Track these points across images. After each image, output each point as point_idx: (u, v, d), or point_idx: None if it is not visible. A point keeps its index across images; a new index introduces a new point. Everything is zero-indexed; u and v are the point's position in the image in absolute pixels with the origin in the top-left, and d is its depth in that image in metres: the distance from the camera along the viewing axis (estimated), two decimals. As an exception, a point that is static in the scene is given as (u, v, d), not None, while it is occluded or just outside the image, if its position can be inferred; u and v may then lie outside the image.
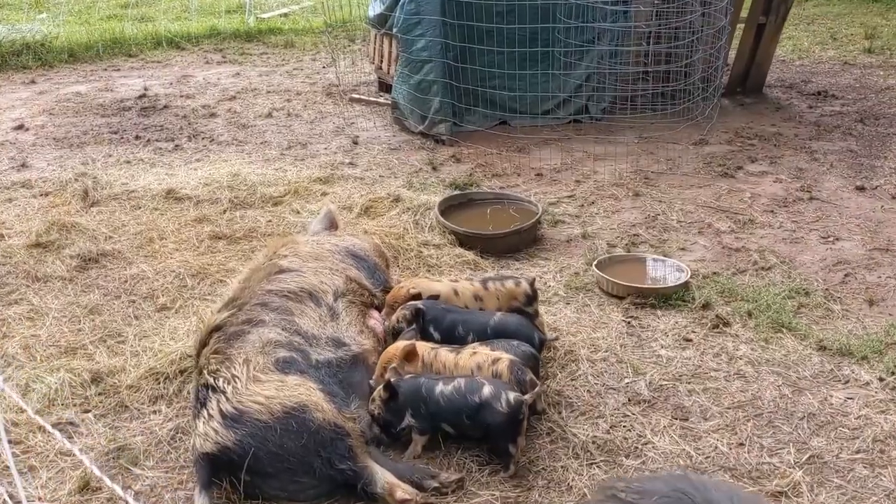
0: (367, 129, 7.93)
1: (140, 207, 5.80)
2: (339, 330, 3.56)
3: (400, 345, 3.42)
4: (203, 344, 3.41)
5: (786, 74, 9.99)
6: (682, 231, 5.51)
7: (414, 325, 3.60)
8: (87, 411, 3.58)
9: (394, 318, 3.72)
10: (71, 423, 3.49)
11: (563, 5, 7.28)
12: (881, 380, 3.76)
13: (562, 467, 3.23)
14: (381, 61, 8.89)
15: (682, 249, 5.23)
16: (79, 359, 3.92)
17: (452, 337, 3.65)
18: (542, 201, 5.82)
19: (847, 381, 3.76)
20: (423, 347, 3.42)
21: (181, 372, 3.76)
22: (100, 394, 3.67)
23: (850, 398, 3.64)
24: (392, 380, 3.24)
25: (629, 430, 3.43)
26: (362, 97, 9.04)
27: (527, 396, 3.16)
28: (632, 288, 4.53)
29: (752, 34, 8.72)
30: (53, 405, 3.59)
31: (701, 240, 5.37)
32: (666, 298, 4.48)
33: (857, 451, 3.31)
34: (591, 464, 3.24)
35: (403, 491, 2.97)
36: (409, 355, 3.38)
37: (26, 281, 4.71)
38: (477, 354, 3.36)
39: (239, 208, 5.81)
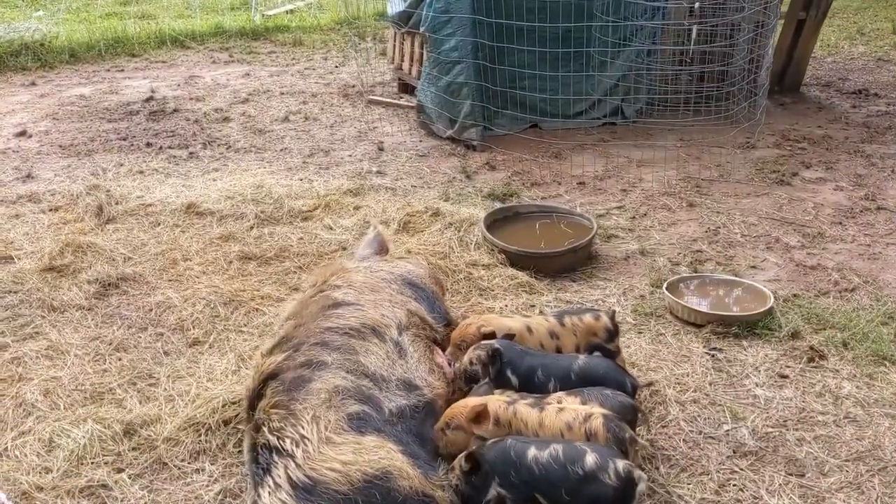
0: (390, 133, 7.49)
1: (160, 224, 5.35)
2: (409, 369, 3.13)
3: (470, 402, 2.98)
4: (256, 393, 2.98)
5: (819, 72, 9.59)
6: (748, 246, 5.10)
7: (488, 378, 3.16)
8: (120, 471, 3.14)
9: (465, 359, 3.29)
10: (103, 487, 3.06)
11: (600, 2, 6.86)
12: None
13: (673, 538, 2.81)
14: (402, 61, 8.45)
15: (753, 268, 4.81)
16: (107, 406, 3.48)
17: (531, 383, 3.22)
18: (589, 213, 5.40)
19: (973, 426, 3.36)
20: (496, 404, 2.97)
21: (224, 422, 3.32)
22: (134, 449, 3.24)
23: (982, 447, 3.24)
24: (475, 449, 2.81)
25: (741, 491, 3.02)
26: (381, 99, 8.59)
27: (638, 473, 2.71)
28: (713, 316, 4.11)
29: (791, 30, 8.33)
30: (82, 464, 3.15)
31: (771, 256, 4.96)
32: (750, 327, 4.07)
33: None
34: (707, 533, 2.83)
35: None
36: (479, 417, 2.93)
37: (41, 311, 4.27)
38: (565, 411, 2.92)
39: (266, 224, 5.37)
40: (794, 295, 4.44)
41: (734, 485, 3.05)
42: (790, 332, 4.02)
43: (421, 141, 7.29)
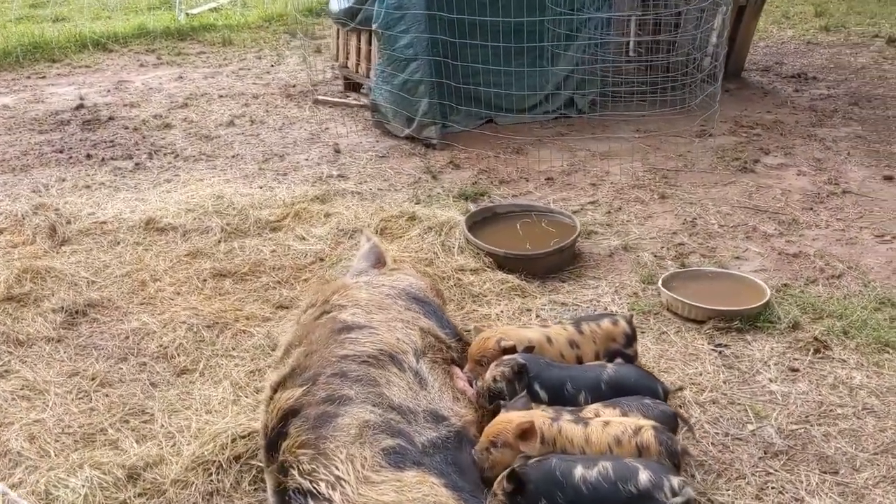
0: (344, 134, 7.27)
1: (119, 243, 5.03)
2: (433, 400, 2.98)
3: (514, 418, 2.84)
4: (276, 431, 2.77)
5: (755, 57, 9.76)
6: (727, 237, 5.10)
7: (525, 392, 3.03)
8: (128, 521, 2.90)
9: (488, 376, 3.15)
10: (113, 541, 2.81)
11: (552, -6, 6.79)
12: None
13: (726, 549, 2.75)
14: (348, 59, 8.23)
15: (738, 258, 4.82)
16: (102, 449, 3.22)
17: (561, 396, 3.11)
18: (566, 210, 5.32)
19: None
20: (541, 420, 2.84)
21: (235, 459, 3.10)
22: (140, 495, 2.98)
23: None
24: (517, 468, 2.68)
25: (781, 493, 2.98)
26: (329, 98, 8.34)
27: (691, 489, 2.64)
28: (714, 311, 4.08)
29: (732, 16, 8.42)
30: (86, 517, 2.89)
31: (752, 246, 4.97)
32: (751, 320, 4.05)
33: None
34: (758, 541, 2.77)
35: None
36: (526, 434, 2.80)
37: (7, 346, 3.94)
38: (611, 425, 2.82)
39: (234, 237, 5.11)
40: (785, 285, 4.46)
41: (773, 487, 3.00)
42: (791, 324, 4.02)
43: (378, 141, 7.09)
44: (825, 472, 3.07)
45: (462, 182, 6.09)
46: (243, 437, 3.17)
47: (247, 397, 3.52)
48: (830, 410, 3.42)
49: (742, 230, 5.18)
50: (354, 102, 8.14)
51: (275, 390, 3.01)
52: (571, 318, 3.59)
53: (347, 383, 2.87)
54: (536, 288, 4.50)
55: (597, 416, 2.93)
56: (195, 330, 4.06)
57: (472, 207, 5.44)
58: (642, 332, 4.04)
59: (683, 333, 4.03)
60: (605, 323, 3.44)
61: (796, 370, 3.71)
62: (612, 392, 3.08)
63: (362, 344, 3.08)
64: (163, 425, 3.37)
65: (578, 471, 2.66)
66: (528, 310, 4.28)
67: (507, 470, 2.68)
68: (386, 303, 3.44)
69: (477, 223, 5.05)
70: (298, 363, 3.04)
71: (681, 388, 3.44)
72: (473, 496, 2.59)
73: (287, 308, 4.29)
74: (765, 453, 3.18)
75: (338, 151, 6.85)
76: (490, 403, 3.12)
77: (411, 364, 3.08)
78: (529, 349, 3.23)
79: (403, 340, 3.18)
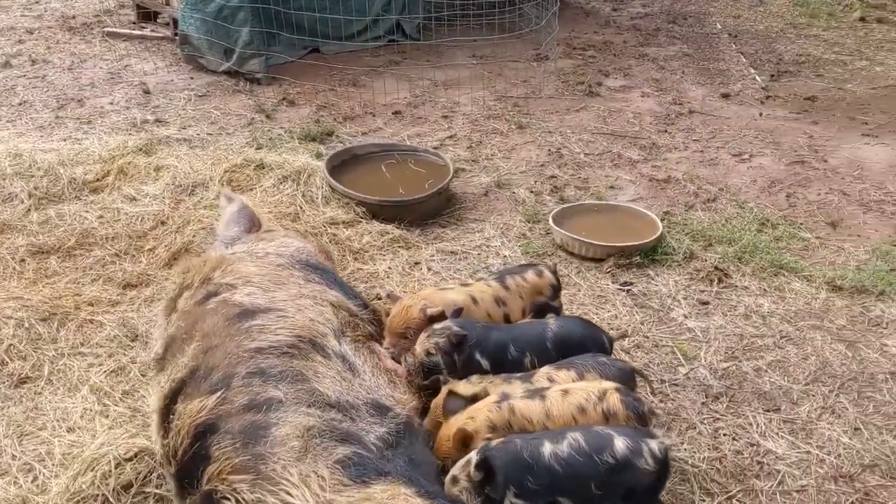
0: (150, 72, 6.36)
1: None
2: (370, 388, 2.54)
3: (451, 433, 2.46)
4: (190, 455, 2.23)
5: (565, -24, 9.68)
6: (596, 166, 4.95)
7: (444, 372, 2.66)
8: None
9: (420, 350, 2.75)
10: None
11: None
12: (916, 316, 3.53)
13: (703, 510, 2.58)
14: (142, -16, 7.20)
15: (612, 188, 4.68)
16: (-64, 501, 2.50)
17: (504, 361, 2.77)
18: (426, 146, 4.93)
19: (887, 324, 3.48)
20: (484, 413, 2.48)
21: (125, 489, 2.50)
22: (5, 555, 2.34)
23: (905, 344, 3.36)
24: (487, 453, 2.32)
25: (735, 440, 2.85)
26: (123, 31, 7.30)
27: (665, 439, 2.43)
28: (614, 248, 3.89)
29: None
30: None
31: (622, 174, 4.85)
32: (648, 254, 3.91)
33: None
34: (730, 497, 2.62)
35: None
36: (465, 441, 2.44)
37: None
38: (572, 393, 2.52)
39: (48, 204, 4.26)
40: (666, 212, 4.37)
41: (725, 434, 2.87)
42: (686, 254, 3.93)
43: (192, 78, 6.27)
44: (769, 411, 2.98)
45: (302, 121, 5.50)
46: (129, 459, 2.57)
47: (117, 405, 2.89)
48: (752, 343, 3.35)
49: (608, 158, 5.05)
50: (154, 34, 7.16)
51: (170, 400, 2.43)
52: (492, 273, 3.24)
53: (271, 382, 2.36)
54: (419, 237, 4.11)
55: (550, 380, 2.63)
56: (27, 325, 3.30)
57: (324, 150, 4.91)
58: (544, 277, 3.78)
59: (585, 274, 3.82)
60: (530, 275, 3.12)
61: (706, 303, 3.61)
62: (558, 351, 2.78)
63: (274, 331, 2.56)
64: (15, 456, 2.68)
65: (547, 448, 2.34)
66: (417, 263, 3.89)
67: (475, 456, 2.32)
68: (281, 276, 2.92)
69: (336, 167, 4.54)
70: (198, 363, 2.47)
71: (624, 336, 3.21)
72: (445, 500, 2.21)
73: (137, 287, 3.61)
74: (706, 397, 3.04)
75: (147, 92, 5.97)
76: (426, 379, 2.74)
77: (335, 348, 2.61)
78: (458, 312, 2.85)
79: (318, 321, 2.69)
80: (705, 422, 2.92)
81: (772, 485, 2.66)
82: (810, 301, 3.62)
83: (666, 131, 5.44)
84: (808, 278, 3.78)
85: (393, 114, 5.66)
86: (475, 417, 2.49)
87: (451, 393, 2.57)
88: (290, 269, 2.99)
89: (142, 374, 3.03)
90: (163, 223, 4.12)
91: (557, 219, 4.10)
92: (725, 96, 6.04)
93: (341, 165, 4.59)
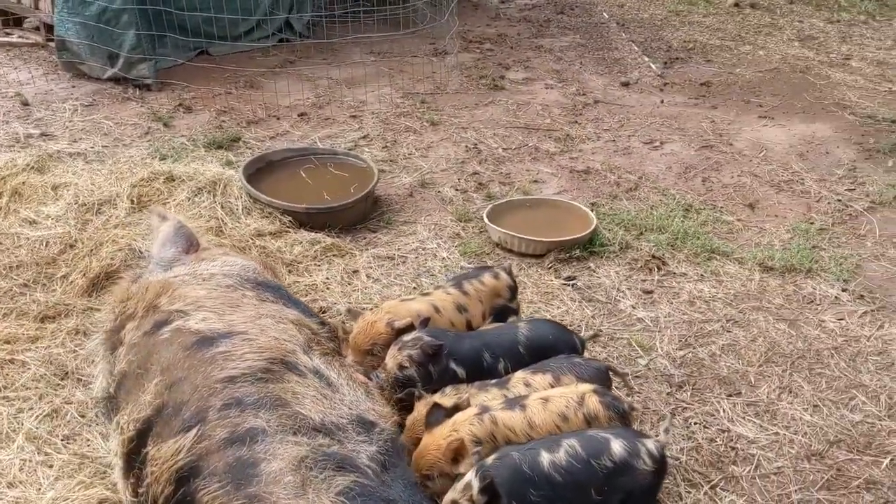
0: (26, 82, 5.88)
1: None
2: (352, 403, 2.39)
3: (441, 442, 2.35)
4: (172, 501, 2.04)
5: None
6: (515, 160, 4.93)
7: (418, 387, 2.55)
8: None
9: (392, 364, 2.63)
10: None
11: None
12: (844, 290, 3.68)
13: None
14: (4, -14, 6.65)
15: (536, 182, 4.67)
16: None
17: (480, 368, 2.69)
18: (342, 148, 4.78)
19: (820, 301, 3.62)
20: (467, 426, 2.38)
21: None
22: None
23: (841, 318, 3.49)
24: (489, 474, 2.23)
25: (706, 427, 2.88)
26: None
27: (662, 436, 2.42)
28: (554, 244, 3.88)
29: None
30: None
31: (542, 167, 4.86)
32: (586, 247, 3.92)
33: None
34: (713, 486, 2.64)
35: None
36: (457, 453, 2.35)
37: None
38: (552, 401, 2.46)
39: (-67, 232, 3.84)
40: (593, 204, 4.40)
41: (696, 423, 2.90)
42: (622, 244, 3.96)
43: (74, 87, 5.84)
44: (731, 395, 3.04)
45: (203, 127, 5.21)
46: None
47: (60, 452, 2.62)
48: (702, 329, 3.41)
49: (526, 151, 5.04)
50: (23, 41, 6.63)
51: (136, 443, 2.23)
52: (448, 280, 3.14)
53: (249, 411, 2.19)
54: (351, 244, 3.96)
55: (526, 385, 2.57)
56: (-65, 371, 2.95)
57: (233, 157, 4.67)
58: (487, 277, 3.72)
59: (528, 271, 3.79)
60: (487, 278, 3.05)
61: (650, 292, 3.65)
62: (531, 355, 2.72)
63: (241, 357, 2.37)
64: (-50, 522, 2.38)
65: (545, 458, 2.29)
66: (355, 271, 3.75)
67: (475, 479, 2.23)
68: (233, 297, 2.72)
69: (253, 176, 4.31)
70: (164, 400, 2.27)
71: (596, 335, 3.19)
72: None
73: (56, 319, 3.30)
74: (670, 387, 3.07)
75: (26, 104, 5.51)
76: (400, 393, 2.62)
77: (307, 364, 2.46)
78: (425, 322, 2.75)
79: (283, 339, 2.52)
80: (676, 412, 2.94)
81: (749, 469, 2.70)
82: (746, 283, 3.72)
83: (576, 122, 5.49)
84: (739, 261, 3.88)
85: (298, 116, 5.46)
86: (458, 430, 2.40)
87: (435, 405, 2.46)
88: (241, 289, 2.80)
89: (81, 416, 2.77)
90: (71, 246, 3.78)
91: (491, 216, 4.05)
92: (625, 85, 6.16)
93: (257, 173, 4.37)
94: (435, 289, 3.02)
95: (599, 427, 2.43)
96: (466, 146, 5.06)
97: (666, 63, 6.67)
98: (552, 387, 2.58)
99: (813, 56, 6.96)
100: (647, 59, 6.68)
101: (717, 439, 2.83)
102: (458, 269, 3.74)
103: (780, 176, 4.77)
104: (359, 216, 4.18)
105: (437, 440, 2.37)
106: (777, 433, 2.86)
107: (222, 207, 4.08)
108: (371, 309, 2.93)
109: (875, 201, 4.47)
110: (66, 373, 2.99)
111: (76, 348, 3.08)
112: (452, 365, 2.66)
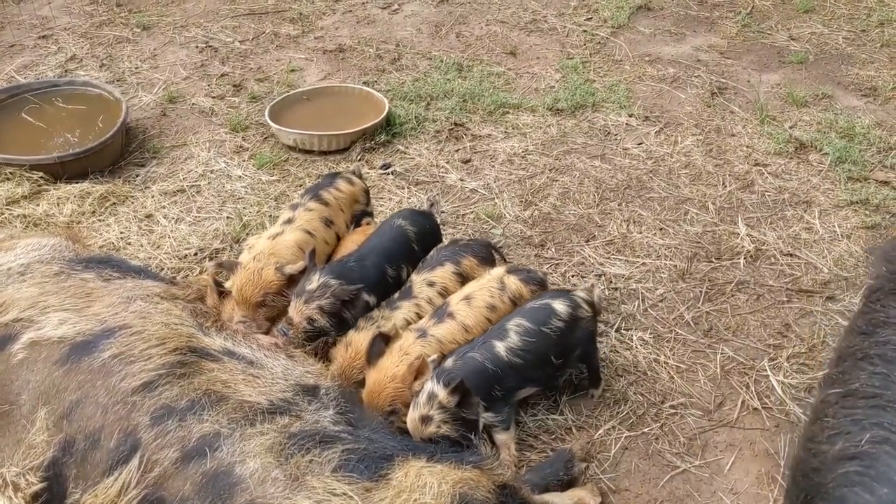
0: None
1: None
2: (282, 374, 2.08)
3: (394, 370, 2.20)
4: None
5: None
6: (260, 52, 4.49)
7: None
8: None
9: (299, 318, 2.32)
10: None
11: None
12: (630, 115, 3.89)
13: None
14: None
15: (294, 71, 4.31)
16: None
17: (387, 285, 2.50)
18: (60, 78, 4.01)
19: (615, 130, 3.79)
20: (414, 346, 2.26)
21: None
22: None
23: (640, 143, 3.70)
24: (458, 378, 2.10)
25: (584, 278, 2.95)
26: None
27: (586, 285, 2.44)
28: (357, 133, 3.62)
29: None
30: None
31: (292, 53, 4.49)
32: (387, 130, 3.72)
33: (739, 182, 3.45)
34: (617, 329, 2.73)
35: (589, 497, 2.14)
36: (421, 372, 2.22)
37: None
38: (475, 297, 2.38)
39: None
40: (365, 82, 4.16)
41: (573, 275, 2.95)
42: (418, 119, 3.82)
43: None
44: (589, 241, 3.12)
45: None
46: None
47: None
48: (532, 185, 3.42)
49: (266, 39, 4.61)
50: None
51: (45, 497, 1.78)
52: (302, 194, 2.78)
53: (191, 417, 1.82)
54: (127, 187, 3.41)
55: (430, 285, 2.47)
56: None
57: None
58: (300, 186, 3.41)
59: (338, 168, 3.52)
60: (343, 184, 2.80)
61: (468, 161, 3.59)
62: (421, 247, 2.64)
63: (141, 355, 1.94)
64: None
65: (499, 346, 2.26)
66: (149, 215, 3.24)
67: (437, 385, 2.10)
68: (73, 286, 2.20)
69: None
70: (67, 434, 1.80)
71: (432, 204, 3.00)
72: (461, 454, 1.97)
73: None
74: (532, 248, 3.07)
75: None
76: (311, 343, 2.35)
77: (215, 345, 2.09)
78: (312, 255, 2.45)
79: (174, 322, 2.11)
80: (549, 272, 2.96)
81: (638, 304, 2.83)
82: (547, 130, 3.79)
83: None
84: (531, 110, 3.93)
85: (-27, 49, 4.46)
86: (409, 353, 2.24)
87: (378, 335, 2.26)
88: (74, 273, 2.27)
89: None
90: None
91: (273, 118, 3.67)
92: None
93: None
94: (292, 208, 2.69)
95: (524, 303, 2.40)
96: (197, 46, 4.50)
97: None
98: (457, 275, 2.49)
99: None
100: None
101: (599, 284, 2.91)
102: (260, 185, 3.38)
103: (524, 17, 4.84)
104: (118, 153, 3.58)
105: (388, 372, 2.20)
106: (644, 263, 3.01)
107: (-60, 183, 3.27)
108: (246, 256, 2.54)
109: (614, 25, 4.71)
110: None
111: None
112: (365, 296, 2.42)
